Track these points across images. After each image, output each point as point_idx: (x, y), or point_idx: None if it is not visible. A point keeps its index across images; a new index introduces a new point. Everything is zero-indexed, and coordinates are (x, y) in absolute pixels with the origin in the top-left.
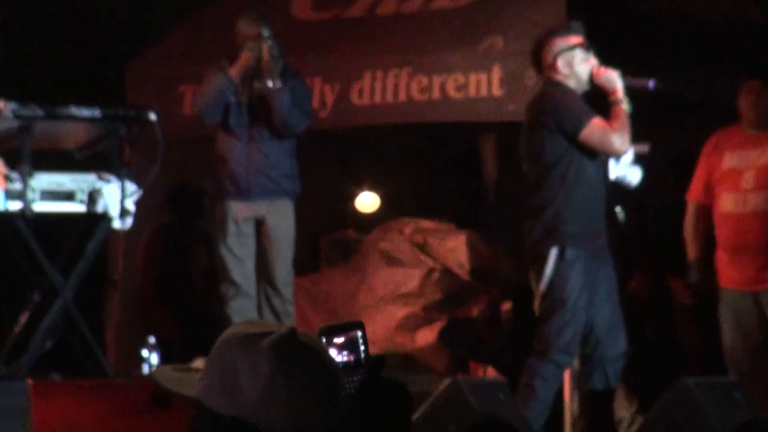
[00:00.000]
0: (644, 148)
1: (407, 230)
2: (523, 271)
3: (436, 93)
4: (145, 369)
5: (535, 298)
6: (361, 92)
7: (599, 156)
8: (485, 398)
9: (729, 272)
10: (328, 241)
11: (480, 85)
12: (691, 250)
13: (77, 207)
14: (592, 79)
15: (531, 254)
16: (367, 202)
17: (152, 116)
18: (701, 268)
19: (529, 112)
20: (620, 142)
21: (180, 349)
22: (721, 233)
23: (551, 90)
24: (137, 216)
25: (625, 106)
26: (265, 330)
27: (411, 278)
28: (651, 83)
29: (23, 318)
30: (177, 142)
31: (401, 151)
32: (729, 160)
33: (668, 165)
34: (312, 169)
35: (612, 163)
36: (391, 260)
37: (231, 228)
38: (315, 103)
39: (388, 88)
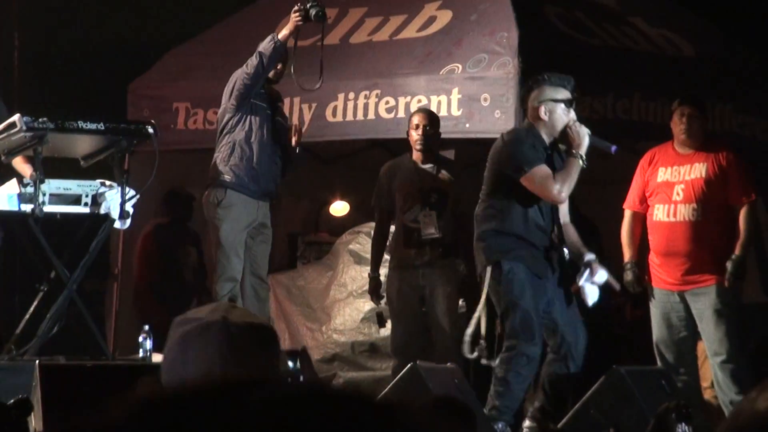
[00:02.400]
0: (610, 146)
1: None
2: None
3: (401, 112)
4: (141, 353)
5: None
6: (335, 111)
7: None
8: (442, 382)
9: (659, 274)
10: (304, 241)
11: (440, 105)
12: (627, 253)
13: (82, 209)
14: (564, 130)
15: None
16: (339, 208)
17: (150, 130)
18: (634, 268)
19: (496, 144)
20: (558, 190)
21: None
22: (654, 239)
23: (517, 133)
24: (135, 217)
25: (580, 162)
26: (199, 315)
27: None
28: (613, 149)
29: (32, 307)
30: (171, 153)
31: (370, 164)
32: (662, 175)
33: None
34: (292, 178)
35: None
36: (359, 259)
37: (245, 226)
38: (294, 120)
39: (359, 108)
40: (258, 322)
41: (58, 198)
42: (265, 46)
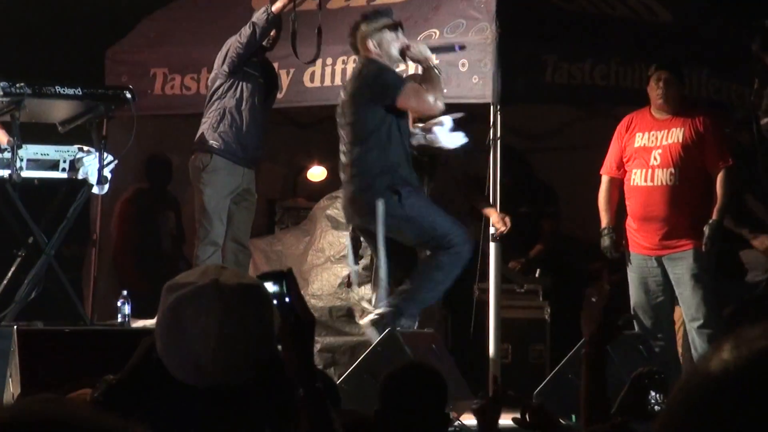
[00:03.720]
0: (459, 114)
1: None
2: None
3: None
4: (119, 318)
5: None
6: (312, 76)
7: (406, 121)
8: (419, 347)
9: (637, 239)
10: (282, 207)
11: (418, 70)
12: (604, 218)
13: (60, 174)
14: (404, 54)
15: (356, 206)
16: (317, 173)
17: (128, 95)
18: (611, 234)
19: (350, 86)
20: (433, 100)
21: (149, 301)
22: (631, 204)
23: (367, 67)
24: (113, 183)
25: (436, 72)
26: (191, 280)
27: None
28: (457, 47)
29: (10, 272)
30: (149, 118)
31: None
32: (639, 140)
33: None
34: (270, 143)
35: (436, 130)
36: (337, 225)
37: (228, 192)
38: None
39: (337, 73)
40: (248, 282)
41: (35, 163)
42: (259, 17)
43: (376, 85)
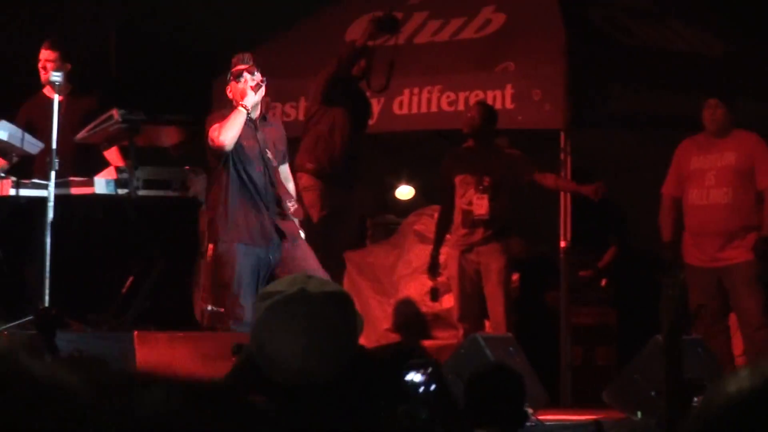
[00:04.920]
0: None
1: (436, 215)
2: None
3: (461, 105)
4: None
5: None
6: (401, 104)
7: (254, 160)
8: (498, 350)
9: (694, 252)
10: (374, 222)
11: (495, 99)
12: (665, 234)
13: (172, 193)
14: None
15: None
16: (405, 192)
17: None
18: (672, 247)
19: None
20: (217, 134)
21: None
22: (689, 221)
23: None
24: None
25: (241, 110)
26: (279, 289)
27: (439, 254)
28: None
29: (128, 282)
30: None
31: (433, 152)
32: (695, 162)
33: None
34: (363, 165)
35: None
36: (423, 239)
37: (326, 209)
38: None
39: (423, 101)
40: (332, 290)
41: (150, 183)
42: (346, 49)
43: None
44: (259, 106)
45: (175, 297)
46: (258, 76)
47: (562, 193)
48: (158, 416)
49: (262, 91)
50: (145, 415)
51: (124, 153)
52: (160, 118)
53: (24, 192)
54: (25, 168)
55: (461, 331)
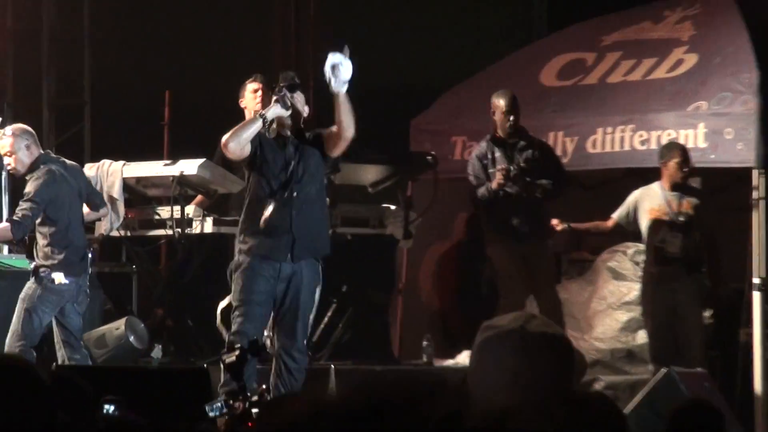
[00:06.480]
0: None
1: (630, 252)
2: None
3: (653, 144)
4: (424, 358)
5: None
6: (594, 143)
7: (272, 166)
8: (693, 386)
9: None
10: (568, 259)
11: (687, 138)
12: None
13: (370, 230)
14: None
15: None
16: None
17: (430, 160)
18: None
19: None
20: (227, 137)
21: (452, 342)
22: None
23: None
24: (417, 238)
25: (258, 118)
26: (500, 323)
27: (632, 290)
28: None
29: (326, 317)
30: (449, 181)
31: (626, 189)
32: None
33: None
34: (559, 203)
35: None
36: (617, 275)
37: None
38: (558, 151)
39: (616, 140)
40: (553, 332)
41: (349, 220)
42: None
43: None
44: (289, 122)
45: (374, 330)
46: (298, 97)
47: (755, 228)
48: None
49: (285, 111)
50: None
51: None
52: (359, 156)
53: (225, 229)
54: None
55: (654, 367)
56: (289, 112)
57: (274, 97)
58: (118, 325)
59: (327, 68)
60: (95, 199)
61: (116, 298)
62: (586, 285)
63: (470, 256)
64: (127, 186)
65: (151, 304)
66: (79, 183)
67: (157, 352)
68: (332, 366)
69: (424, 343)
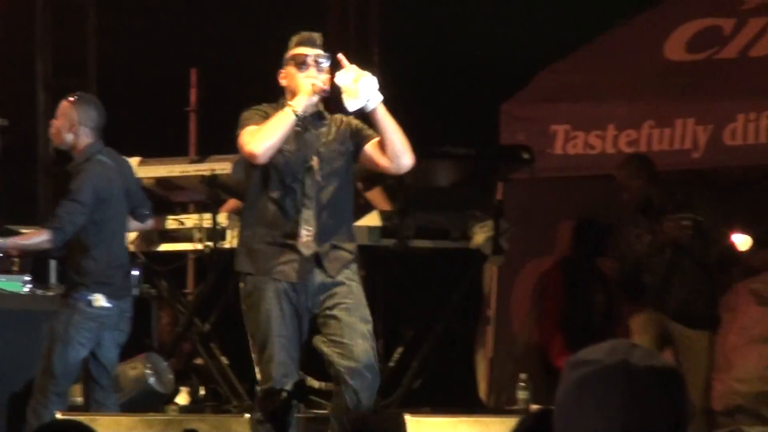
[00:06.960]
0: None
1: None
2: None
3: None
4: (518, 404)
5: None
6: (734, 133)
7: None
8: None
9: None
10: None
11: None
12: None
13: (451, 243)
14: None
15: None
16: (740, 242)
17: (525, 155)
18: None
19: None
20: (248, 140)
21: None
22: None
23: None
24: (510, 253)
25: (289, 113)
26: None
27: None
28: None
29: (397, 353)
30: (548, 180)
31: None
32: None
33: None
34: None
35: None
36: (763, 300)
37: None
38: (687, 143)
39: (761, 130)
40: (661, 365)
41: (424, 231)
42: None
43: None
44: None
45: (455, 369)
46: (324, 72)
47: None
48: None
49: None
50: None
51: (391, 194)
52: (436, 151)
53: None
54: None
55: None
56: (317, 99)
57: (310, 81)
58: (135, 364)
59: (350, 91)
60: (143, 208)
61: (132, 330)
62: (722, 312)
63: (577, 277)
64: (145, 188)
65: (175, 338)
66: (128, 183)
67: (183, 397)
68: (404, 415)
69: (520, 384)
